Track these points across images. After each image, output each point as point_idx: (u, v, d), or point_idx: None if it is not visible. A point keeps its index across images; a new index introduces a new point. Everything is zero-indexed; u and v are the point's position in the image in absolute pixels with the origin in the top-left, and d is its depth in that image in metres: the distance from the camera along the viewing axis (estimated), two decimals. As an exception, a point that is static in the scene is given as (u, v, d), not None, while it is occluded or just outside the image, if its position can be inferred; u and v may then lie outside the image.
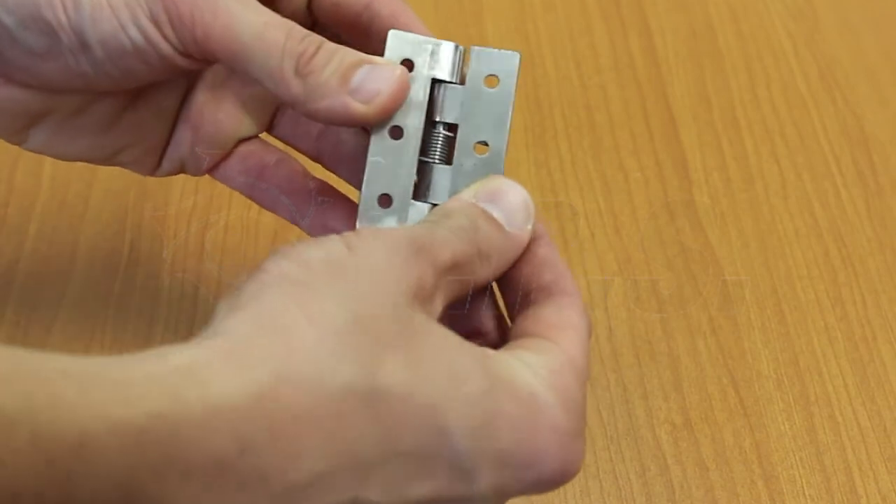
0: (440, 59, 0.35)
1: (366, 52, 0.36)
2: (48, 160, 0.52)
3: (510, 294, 0.34)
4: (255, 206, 0.39)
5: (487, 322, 0.34)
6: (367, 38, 0.37)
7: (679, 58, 0.59)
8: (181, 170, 0.40)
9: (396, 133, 0.35)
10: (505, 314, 0.35)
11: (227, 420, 0.24)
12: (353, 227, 0.36)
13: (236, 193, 0.39)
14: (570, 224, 0.52)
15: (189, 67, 0.34)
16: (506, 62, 0.35)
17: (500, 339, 0.34)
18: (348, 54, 0.33)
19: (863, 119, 0.57)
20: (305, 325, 0.26)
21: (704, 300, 0.49)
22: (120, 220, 0.50)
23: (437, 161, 0.35)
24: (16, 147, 0.37)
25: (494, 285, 0.34)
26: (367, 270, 0.28)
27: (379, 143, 0.34)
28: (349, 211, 0.38)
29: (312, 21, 0.38)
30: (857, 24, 0.62)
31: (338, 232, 0.36)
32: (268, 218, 0.50)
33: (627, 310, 0.49)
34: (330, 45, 0.33)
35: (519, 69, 0.35)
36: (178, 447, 0.24)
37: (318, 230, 0.38)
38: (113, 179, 0.52)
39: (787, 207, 0.53)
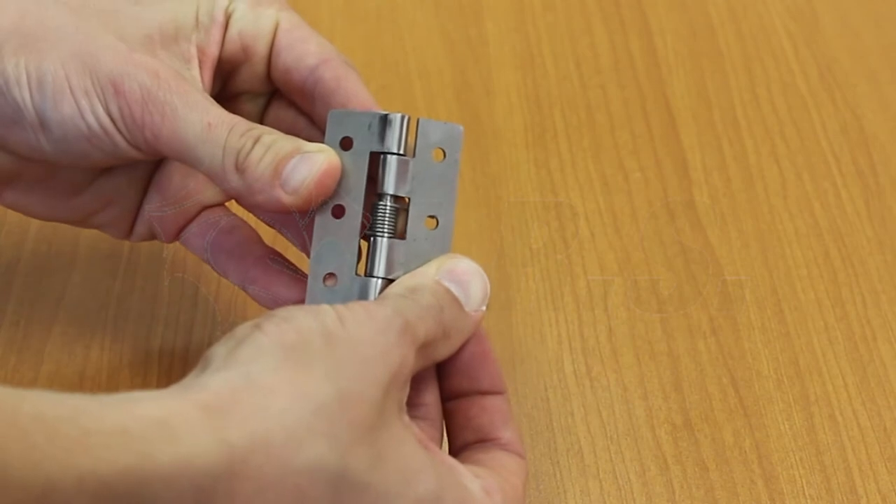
0: (381, 132, 0.34)
1: (313, 118, 0.36)
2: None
3: (449, 380, 0.35)
4: (255, 207, 0.39)
5: (430, 396, 0.35)
6: (313, 103, 0.37)
7: (679, 58, 0.59)
8: (152, 235, 0.41)
9: (338, 212, 0.35)
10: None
11: (192, 478, 0.25)
12: (299, 297, 0.37)
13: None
14: (570, 224, 0.52)
15: (142, 158, 0.35)
16: (450, 134, 0.35)
17: (437, 414, 0.36)
18: (285, 145, 0.33)
19: (863, 119, 0.57)
20: (290, 394, 0.27)
21: (704, 300, 0.49)
22: (120, 220, 0.50)
23: (386, 235, 0.34)
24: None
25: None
26: (358, 346, 0.29)
27: (322, 223, 0.35)
28: (294, 279, 0.39)
29: (272, 89, 0.39)
30: (857, 24, 0.62)
31: (282, 299, 0.38)
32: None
33: (627, 310, 0.49)
34: (268, 138, 0.33)
35: (462, 142, 0.35)
36: (140, 502, 0.24)
37: (263, 297, 0.39)
38: (113, 179, 0.52)
39: (787, 207, 0.53)
